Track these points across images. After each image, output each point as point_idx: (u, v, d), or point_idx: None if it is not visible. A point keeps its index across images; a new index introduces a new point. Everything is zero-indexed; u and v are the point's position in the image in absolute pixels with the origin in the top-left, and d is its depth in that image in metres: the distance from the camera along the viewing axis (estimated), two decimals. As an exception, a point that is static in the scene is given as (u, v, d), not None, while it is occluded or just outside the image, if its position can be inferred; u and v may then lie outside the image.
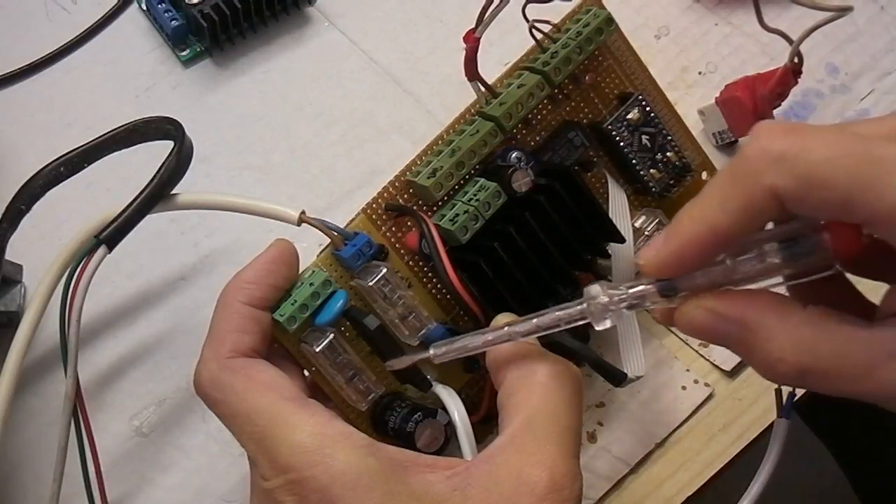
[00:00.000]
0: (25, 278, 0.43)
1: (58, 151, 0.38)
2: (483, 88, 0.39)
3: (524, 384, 0.33)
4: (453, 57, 0.40)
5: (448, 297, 0.39)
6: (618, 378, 0.38)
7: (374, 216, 0.38)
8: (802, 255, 0.28)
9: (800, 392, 0.43)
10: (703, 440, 0.43)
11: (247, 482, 0.35)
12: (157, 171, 0.37)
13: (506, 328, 0.33)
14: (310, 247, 0.39)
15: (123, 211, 0.37)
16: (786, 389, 0.43)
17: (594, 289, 0.31)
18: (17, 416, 0.41)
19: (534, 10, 0.38)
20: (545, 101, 0.41)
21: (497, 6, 0.36)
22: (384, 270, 0.36)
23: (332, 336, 0.36)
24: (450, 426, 0.36)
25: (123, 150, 0.39)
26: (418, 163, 0.39)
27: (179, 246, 0.46)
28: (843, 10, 0.37)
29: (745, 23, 0.52)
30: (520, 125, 0.40)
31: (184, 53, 0.50)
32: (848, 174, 0.26)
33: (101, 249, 0.36)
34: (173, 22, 0.49)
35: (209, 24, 0.48)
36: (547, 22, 0.41)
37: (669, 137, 0.43)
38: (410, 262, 0.39)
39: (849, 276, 0.31)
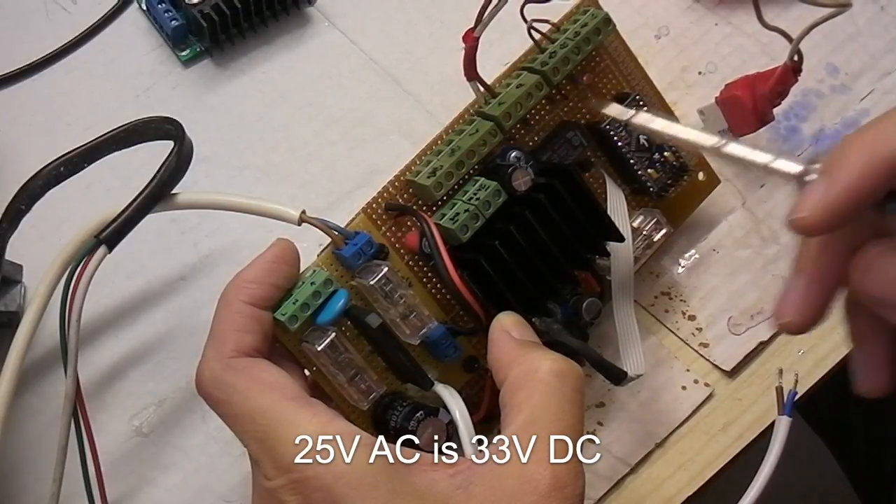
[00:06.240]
0: (25, 278, 0.43)
1: (58, 151, 0.38)
2: (482, 88, 0.39)
3: (526, 382, 0.33)
4: (453, 57, 0.40)
5: (448, 296, 0.39)
6: (618, 376, 0.38)
7: (374, 216, 0.38)
8: None
9: (801, 391, 0.43)
10: (703, 440, 0.43)
11: (247, 482, 0.35)
12: (157, 171, 0.37)
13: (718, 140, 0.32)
14: (310, 247, 0.39)
15: (123, 211, 0.37)
16: (787, 388, 0.43)
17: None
18: (17, 416, 0.40)
19: (532, 10, 0.38)
20: (543, 102, 0.41)
21: (495, 6, 0.36)
22: (385, 269, 0.36)
23: (333, 335, 0.36)
24: (451, 425, 0.36)
25: (123, 150, 0.39)
26: (418, 162, 0.39)
27: (179, 246, 0.46)
28: (843, 7, 0.37)
29: (745, 23, 0.52)
30: (518, 125, 0.40)
31: (184, 53, 0.50)
32: None
33: (101, 249, 0.36)
34: (173, 22, 0.48)
35: (209, 24, 0.48)
36: (546, 21, 0.41)
37: (667, 137, 0.43)
38: (410, 262, 0.39)
39: None
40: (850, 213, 0.27)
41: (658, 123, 0.35)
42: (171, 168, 0.37)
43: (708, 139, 0.33)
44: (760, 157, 0.31)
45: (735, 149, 0.31)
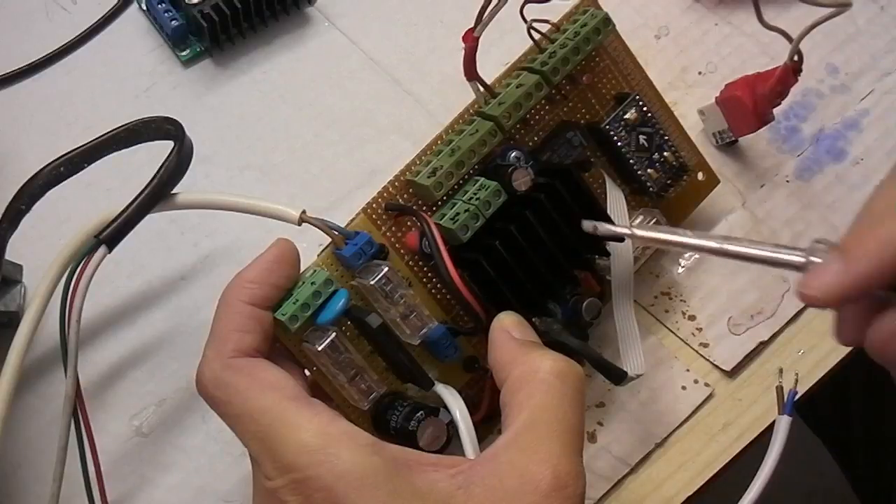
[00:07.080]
0: (25, 278, 0.43)
1: (58, 151, 0.38)
2: (482, 88, 0.39)
3: (527, 382, 0.33)
4: (453, 57, 0.40)
5: (448, 296, 0.39)
6: (618, 376, 0.38)
7: (374, 216, 0.38)
8: None
9: (801, 391, 0.43)
10: (703, 440, 0.43)
11: (247, 482, 0.35)
12: (157, 171, 0.37)
13: (720, 242, 0.33)
14: (310, 247, 0.39)
15: (123, 211, 0.37)
16: (787, 387, 0.43)
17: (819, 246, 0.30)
18: (17, 416, 0.40)
19: (532, 10, 0.38)
20: (543, 102, 0.41)
21: (495, 6, 0.36)
22: (386, 269, 0.36)
23: (333, 335, 0.36)
24: (452, 425, 0.36)
25: (123, 150, 0.39)
26: (418, 162, 0.39)
27: (179, 246, 0.46)
28: (843, 6, 0.37)
29: (745, 23, 0.52)
30: (518, 125, 0.40)
31: (184, 53, 0.50)
32: None
33: (101, 249, 0.36)
34: (173, 22, 0.48)
35: (209, 24, 0.48)
36: (546, 21, 0.41)
37: (666, 137, 0.43)
38: (410, 262, 0.39)
39: None
40: (858, 297, 0.29)
41: (658, 232, 0.36)
42: (171, 168, 0.37)
43: (709, 241, 0.34)
44: (762, 251, 0.32)
45: (736, 247, 0.33)
